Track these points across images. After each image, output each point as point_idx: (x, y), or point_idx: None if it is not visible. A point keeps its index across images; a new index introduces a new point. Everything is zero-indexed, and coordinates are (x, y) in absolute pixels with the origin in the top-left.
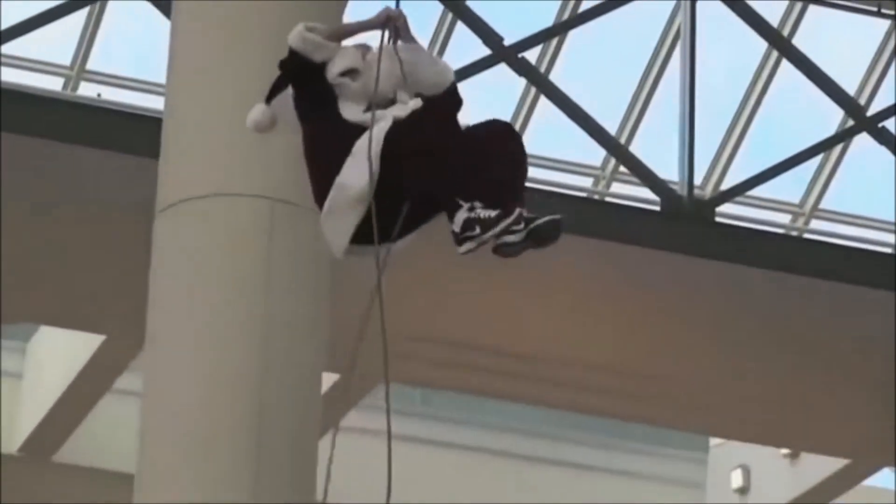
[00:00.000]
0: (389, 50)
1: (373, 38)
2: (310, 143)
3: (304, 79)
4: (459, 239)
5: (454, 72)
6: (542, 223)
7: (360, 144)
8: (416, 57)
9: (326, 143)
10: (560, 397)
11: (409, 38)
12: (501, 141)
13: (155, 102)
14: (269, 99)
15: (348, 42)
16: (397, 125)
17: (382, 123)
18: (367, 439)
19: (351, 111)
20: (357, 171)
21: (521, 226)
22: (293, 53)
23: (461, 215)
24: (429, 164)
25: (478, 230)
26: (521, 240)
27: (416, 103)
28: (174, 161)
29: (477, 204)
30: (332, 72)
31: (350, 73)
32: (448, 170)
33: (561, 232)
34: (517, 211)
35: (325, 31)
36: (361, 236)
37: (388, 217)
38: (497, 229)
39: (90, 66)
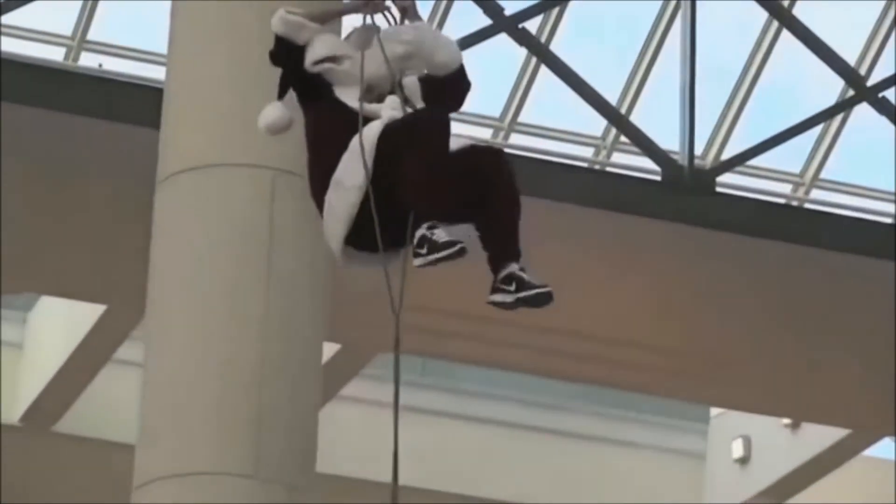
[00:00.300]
0: (383, 32)
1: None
2: (309, 131)
3: (294, 63)
4: (413, 251)
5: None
6: (531, 296)
7: (355, 143)
8: (421, 36)
9: (324, 131)
10: (560, 367)
11: (416, 17)
12: (497, 173)
13: (156, 72)
14: (280, 96)
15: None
16: (391, 127)
17: (375, 125)
18: (367, 409)
19: (348, 95)
20: (352, 169)
21: (445, 252)
22: (279, 40)
23: (419, 231)
24: (422, 184)
25: (425, 250)
26: (511, 301)
27: (413, 85)
28: (175, 131)
29: (437, 225)
30: (308, 60)
31: (332, 59)
32: (437, 193)
33: (552, 300)
34: (458, 246)
35: (307, 14)
36: (365, 243)
37: (391, 222)
38: (437, 255)
39: (91, 36)
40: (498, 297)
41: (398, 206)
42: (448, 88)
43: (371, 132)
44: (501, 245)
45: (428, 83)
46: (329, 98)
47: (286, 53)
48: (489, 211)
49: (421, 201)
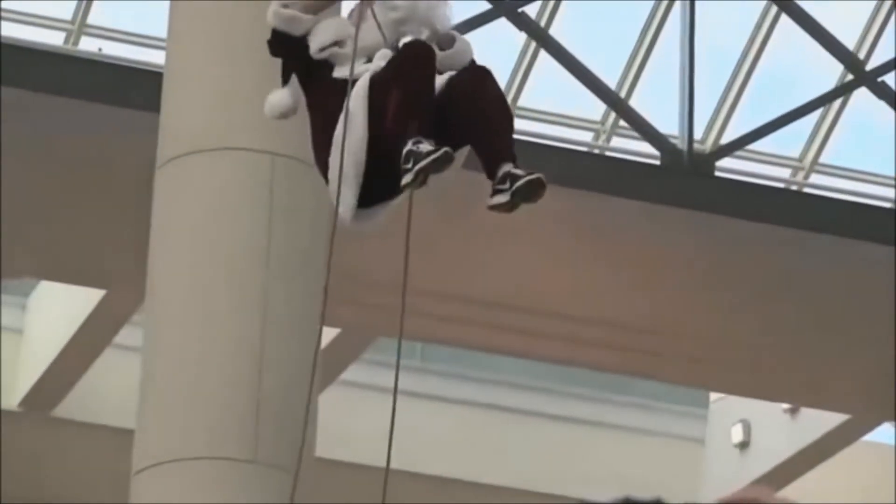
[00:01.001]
0: (378, 7)
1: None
2: (311, 112)
3: (292, 53)
4: (402, 170)
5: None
6: (521, 185)
7: (351, 103)
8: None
9: (323, 108)
10: (560, 352)
11: None
12: (481, 85)
13: (156, 57)
14: (284, 82)
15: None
16: (378, 73)
17: (363, 77)
18: (367, 393)
19: (342, 72)
20: (351, 127)
21: (435, 157)
22: (275, 31)
23: (405, 147)
24: (406, 107)
25: (411, 163)
26: (507, 200)
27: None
28: (174, 115)
29: (423, 139)
30: (313, 47)
31: (338, 44)
32: (423, 112)
33: (545, 188)
34: (442, 150)
35: (300, 5)
36: (363, 198)
37: (388, 174)
38: (422, 164)
39: (91, 20)
40: (495, 200)
41: (390, 151)
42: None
43: (360, 84)
44: (494, 148)
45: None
46: (327, 80)
47: (284, 45)
48: (478, 121)
49: (402, 130)
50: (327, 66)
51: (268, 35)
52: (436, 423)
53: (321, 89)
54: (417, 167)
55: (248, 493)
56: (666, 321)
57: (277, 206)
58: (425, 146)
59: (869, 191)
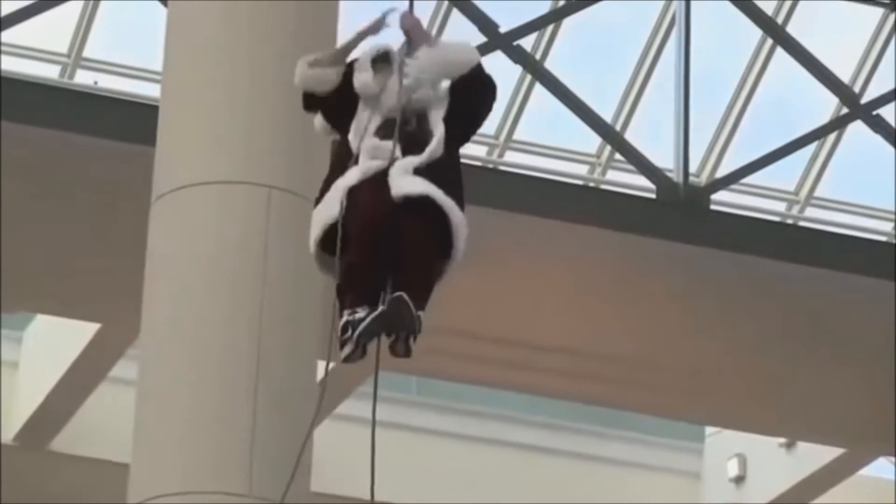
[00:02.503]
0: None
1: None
2: (332, 151)
3: (324, 106)
4: (341, 342)
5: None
6: (363, 329)
7: (338, 182)
8: (423, 65)
9: (337, 155)
10: (555, 386)
11: (422, 38)
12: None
13: (151, 90)
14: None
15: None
16: (359, 182)
17: (353, 174)
18: (361, 427)
19: (361, 119)
20: (331, 201)
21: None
22: (305, 93)
23: (341, 320)
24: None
25: (349, 332)
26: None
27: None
28: (170, 149)
29: (357, 310)
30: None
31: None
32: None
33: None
34: (379, 310)
35: (327, 58)
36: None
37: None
38: (359, 330)
39: (87, 53)
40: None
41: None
42: (473, 91)
43: (346, 181)
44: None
45: (454, 92)
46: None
47: (316, 101)
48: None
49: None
50: (350, 112)
51: (261, 65)
52: (432, 457)
53: (342, 133)
54: (356, 335)
55: None
56: (660, 355)
57: (273, 239)
58: (360, 314)
59: (865, 224)
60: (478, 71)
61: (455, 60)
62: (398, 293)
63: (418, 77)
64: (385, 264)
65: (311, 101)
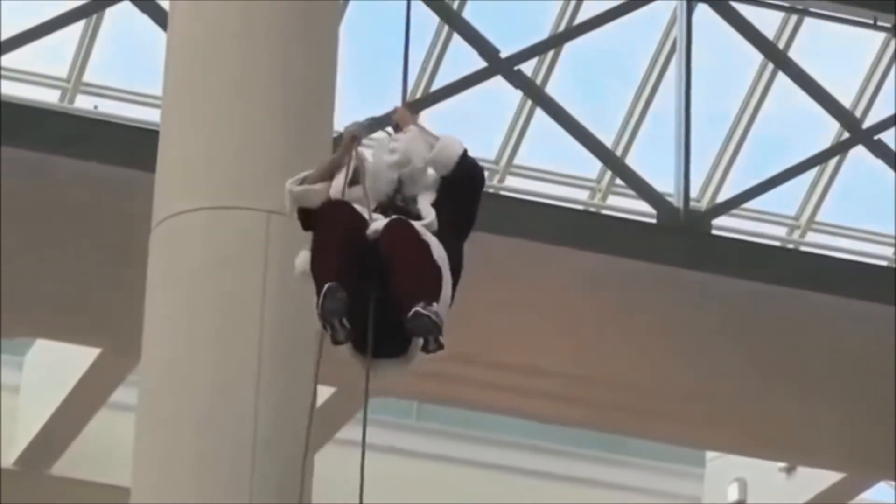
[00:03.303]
0: (377, 142)
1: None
2: None
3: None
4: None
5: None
6: (322, 309)
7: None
8: (408, 145)
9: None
10: (555, 411)
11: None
12: (389, 240)
13: (151, 115)
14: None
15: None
16: None
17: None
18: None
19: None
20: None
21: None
22: (299, 210)
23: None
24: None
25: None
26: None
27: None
28: (170, 174)
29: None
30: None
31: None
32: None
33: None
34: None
35: (313, 177)
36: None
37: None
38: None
39: (87, 78)
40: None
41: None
42: (460, 183)
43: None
44: (401, 293)
45: (443, 181)
46: None
47: (310, 217)
48: (391, 275)
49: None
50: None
51: (260, 90)
52: (432, 482)
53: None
54: (319, 315)
55: None
56: (660, 380)
57: (272, 264)
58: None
59: (866, 249)
60: (461, 166)
61: (439, 158)
62: (413, 310)
63: (405, 154)
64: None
65: (306, 217)
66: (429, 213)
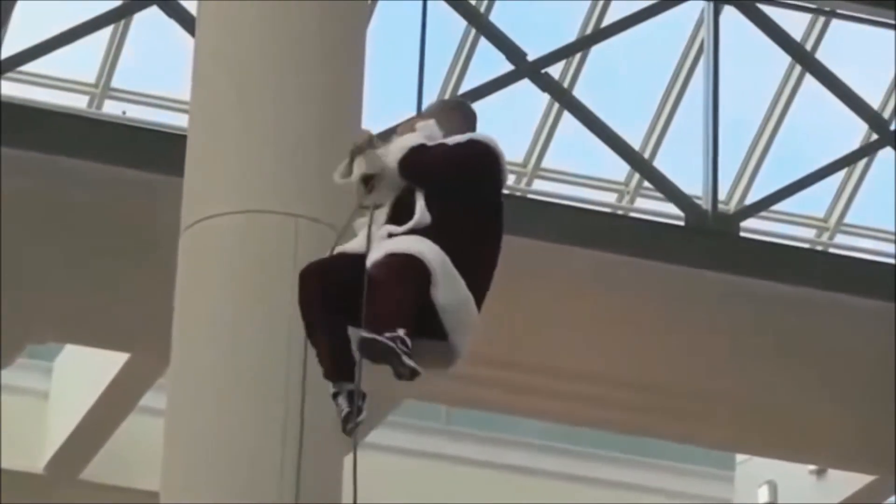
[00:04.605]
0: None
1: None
2: None
3: None
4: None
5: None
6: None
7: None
8: (391, 148)
9: None
10: (585, 414)
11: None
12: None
13: (179, 119)
14: None
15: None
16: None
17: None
18: (391, 457)
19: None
20: None
21: None
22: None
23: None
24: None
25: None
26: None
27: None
28: (198, 179)
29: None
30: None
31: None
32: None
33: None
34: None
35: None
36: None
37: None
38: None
39: (115, 83)
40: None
41: None
42: (417, 184)
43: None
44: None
45: None
46: None
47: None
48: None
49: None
50: None
51: (286, 92)
52: (461, 485)
53: None
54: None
55: None
56: (690, 382)
57: (301, 268)
58: (342, 404)
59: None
60: (403, 170)
61: (388, 164)
62: (360, 337)
63: (384, 157)
64: (336, 324)
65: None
66: (419, 211)
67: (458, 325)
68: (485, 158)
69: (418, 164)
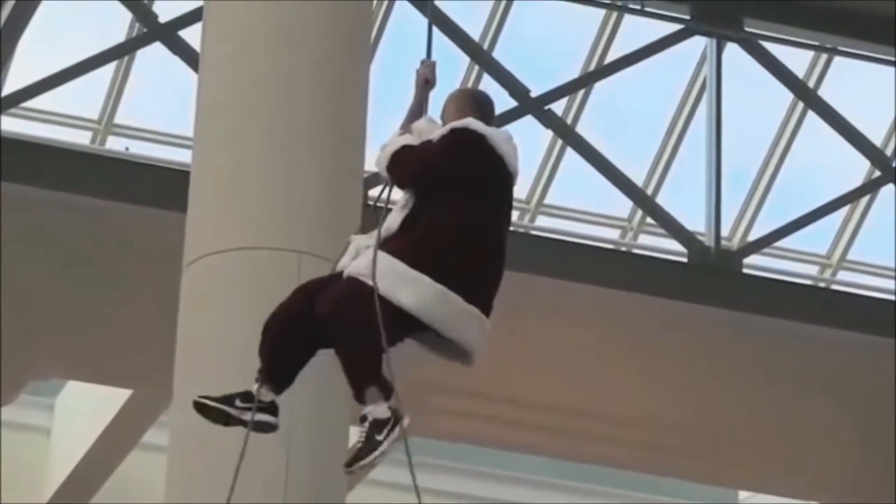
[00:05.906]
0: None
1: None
2: None
3: None
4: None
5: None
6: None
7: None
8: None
9: None
10: (588, 451)
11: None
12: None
13: (183, 156)
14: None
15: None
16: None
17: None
18: (392, 493)
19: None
20: None
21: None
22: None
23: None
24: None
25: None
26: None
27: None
28: (201, 215)
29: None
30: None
31: None
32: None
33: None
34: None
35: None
36: None
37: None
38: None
39: (118, 119)
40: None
41: None
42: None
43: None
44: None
45: None
46: None
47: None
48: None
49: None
50: None
51: (292, 133)
52: None
53: None
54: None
55: None
56: (693, 419)
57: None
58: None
59: None
60: (391, 174)
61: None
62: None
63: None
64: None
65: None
66: (388, 219)
67: (447, 322)
68: (464, 143)
69: (399, 167)
